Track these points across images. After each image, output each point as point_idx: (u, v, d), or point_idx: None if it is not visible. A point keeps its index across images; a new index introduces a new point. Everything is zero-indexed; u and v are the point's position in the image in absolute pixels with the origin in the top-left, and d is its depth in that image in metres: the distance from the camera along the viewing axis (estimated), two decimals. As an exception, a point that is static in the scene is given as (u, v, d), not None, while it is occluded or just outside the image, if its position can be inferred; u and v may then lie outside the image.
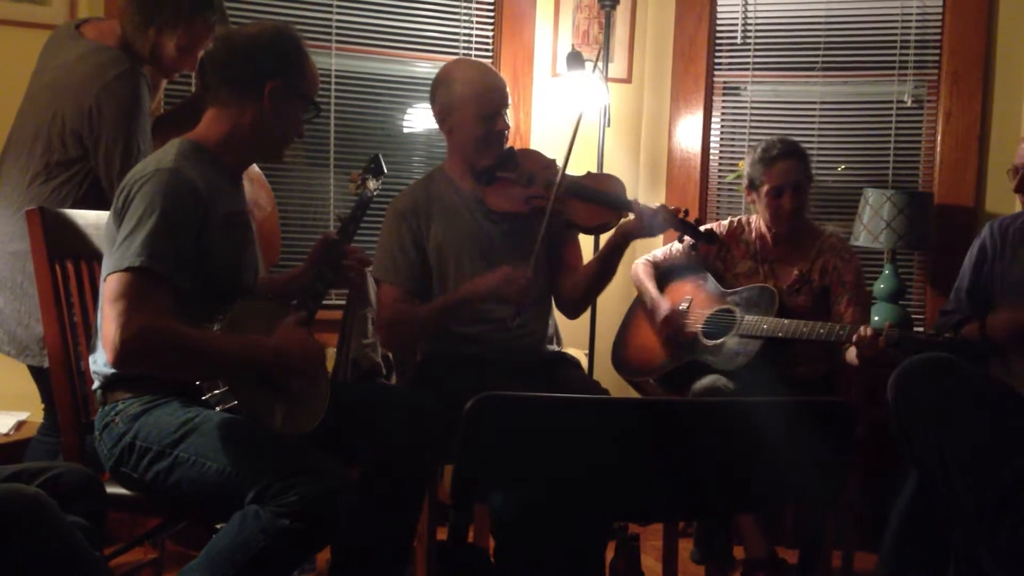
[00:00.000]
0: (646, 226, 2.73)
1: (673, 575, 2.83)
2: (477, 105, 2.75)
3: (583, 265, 2.94)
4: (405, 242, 2.79)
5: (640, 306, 3.33)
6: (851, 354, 2.85)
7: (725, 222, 3.32)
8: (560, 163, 2.83)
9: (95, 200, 2.70)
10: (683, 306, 3.15)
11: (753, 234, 3.24)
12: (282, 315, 2.19)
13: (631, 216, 2.78)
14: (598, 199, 2.80)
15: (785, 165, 3.11)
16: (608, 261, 2.84)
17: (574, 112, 3.91)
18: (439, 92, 2.82)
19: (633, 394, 3.34)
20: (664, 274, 3.31)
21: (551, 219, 2.71)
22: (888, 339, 2.68)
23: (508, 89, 2.84)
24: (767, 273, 3.18)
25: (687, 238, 2.84)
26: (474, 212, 2.82)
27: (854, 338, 2.76)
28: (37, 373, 2.77)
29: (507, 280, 2.62)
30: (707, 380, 2.95)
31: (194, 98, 3.05)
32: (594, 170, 3.70)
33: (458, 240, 2.79)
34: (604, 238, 2.94)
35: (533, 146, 3.87)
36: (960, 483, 2.31)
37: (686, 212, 2.77)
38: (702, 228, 2.86)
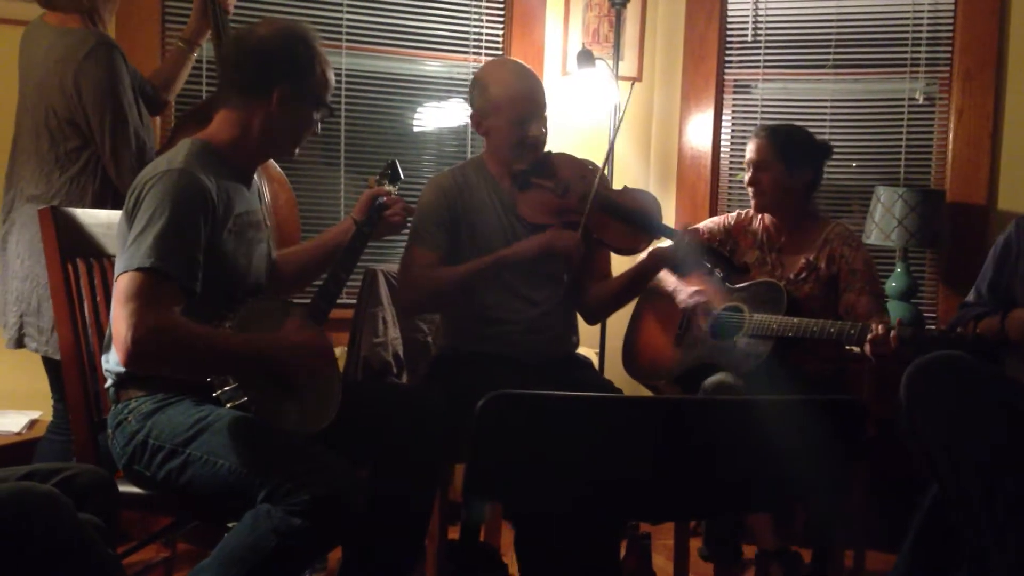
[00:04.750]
0: (681, 260, 2.70)
1: (684, 574, 2.83)
2: (511, 110, 2.71)
3: (610, 275, 2.91)
4: (443, 214, 2.73)
5: (647, 305, 3.32)
6: (866, 347, 2.84)
7: (732, 214, 3.32)
8: (596, 165, 2.81)
9: (113, 186, 2.73)
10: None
11: (759, 225, 3.24)
12: (293, 315, 2.20)
13: (663, 241, 2.74)
14: (632, 220, 2.74)
15: (752, 144, 3.17)
16: (636, 283, 2.82)
17: (585, 111, 3.93)
18: (475, 94, 2.79)
19: (645, 393, 3.33)
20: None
21: (582, 235, 2.66)
22: (901, 336, 2.67)
23: (543, 94, 2.78)
24: (774, 263, 3.17)
25: (718, 270, 2.84)
26: (508, 214, 2.77)
27: (868, 336, 2.75)
28: (52, 370, 2.80)
29: (554, 238, 2.62)
30: (716, 377, 2.94)
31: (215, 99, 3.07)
32: (604, 170, 3.68)
33: (489, 236, 2.74)
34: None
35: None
36: (971, 483, 2.30)
37: (719, 243, 2.75)
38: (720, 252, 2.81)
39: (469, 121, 2.84)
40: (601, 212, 2.71)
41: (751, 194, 3.17)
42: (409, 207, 2.55)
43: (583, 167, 2.86)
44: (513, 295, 2.75)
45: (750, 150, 3.17)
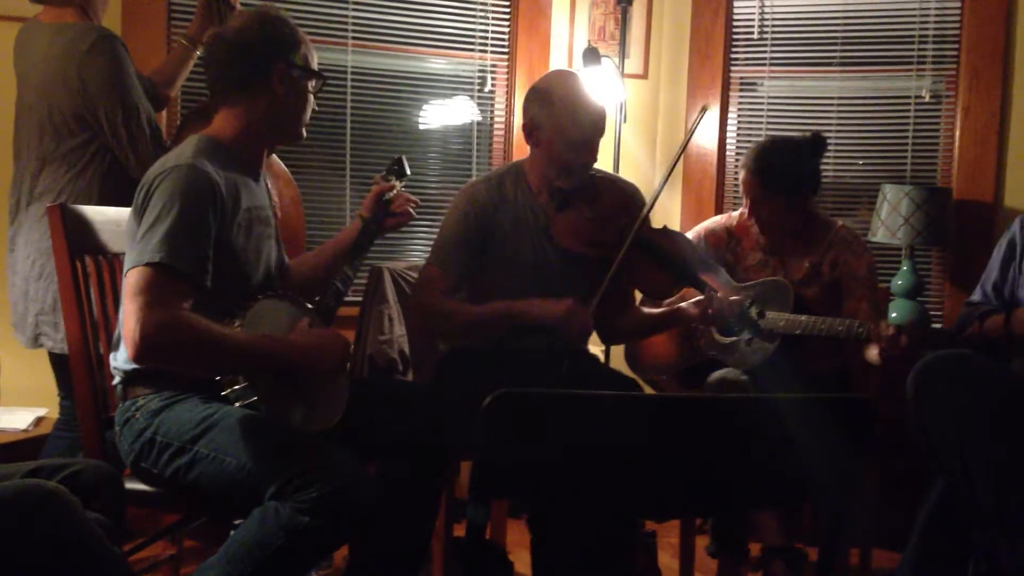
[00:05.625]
0: (714, 319, 2.66)
1: (689, 572, 2.83)
2: (573, 132, 2.61)
3: (633, 305, 2.87)
4: (471, 233, 2.67)
5: None
6: (872, 353, 2.82)
7: (735, 213, 3.29)
8: (641, 191, 2.80)
9: (121, 175, 2.74)
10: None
11: None
12: (303, 313, 2.20)
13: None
14: (667, 267, 2.64)
15: (742, 178, 3.11)
16: (657, 327, 2.82)
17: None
18: (534, 103, 2.67)
19: (648, 390, 3.32)
20: None
21: (614, 273, 2.58)
22: (911, 338, 2.66)
23: (605, 118, 2.68)
24: (777, 266, 3.14)
25: (745, 333, 2.84)
26: (540, 232, 2.70)
27: (873, 335, 2.74)
28: (59, 367, 2.80)
29: (570, 316, 2.53)
30: (721, 372, 2.94)
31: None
32: (610, 168, 3.69)
33: (517, 256, 2.69)
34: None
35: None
36: (980, 481, 2.30)
37: (752, 303, 2.66)
38: (761, 324, 2.74)
39: (523, 131, 2.72)
40: (638, 253, 2.61)
41: (752, 218, 3.13)
42: (412, 199, 2.54)
43: (628, 197, 2.78)
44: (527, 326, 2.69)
45: (742, 184, 3.11)
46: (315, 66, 2.32)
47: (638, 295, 2.98)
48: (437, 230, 2.78)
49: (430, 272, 2.71)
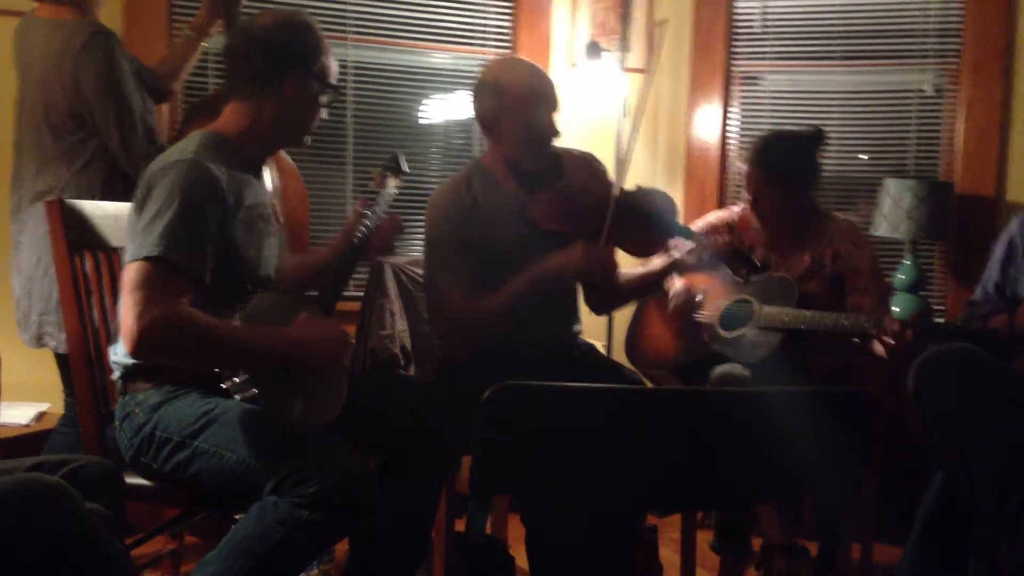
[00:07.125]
0: (702, 264, 2.67)
1: (691, 567, 2.83)
2: (531, 111, 2.61)
3: (619, 270, 2.85)
4: (459, 239, 2.66)
5: (651, 295, 3.30)
6: (877, 347, 2.82)
7: (737, 208, 3.29)
8: (604, 160, 2.78)
9: (123, 175, 2.75)
10: (698, 298, 3.13)
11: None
12: (302, 307, 2.20)
13: (681, 242, 2.69)
14: (652, 226, 2.64)
15: (744, 171, 3.11)
16: (650, 284, 2.81)
17: (592, 103, 3.92)
18: (485, 97, 2.66)
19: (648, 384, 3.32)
20: None
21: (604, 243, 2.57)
22: (916, 332, 2.65)
23: (555, 89, 2.67)
24: (778, 260, 3.14)
25: (743, 272, 2.83)
26: (518, 220, 2.68)
27: (879, 330, 2.73)
28: (64, 363, 2.80)
29: (587, 253, 2.54)
30: (724, 367, 2.93)
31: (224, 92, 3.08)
32: (610, 164, 3.67)
33: (502, 249, 2.67)
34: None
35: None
36: (980, 480, 2.29)
37: (738, 244, 2.68)
38: (758, 262, 2.76)
39: (478, 126, 2.72)
40: (621, 218, 2.60)
41: (754, 212, 3.13)
42: (397, 221, 2.53)
43: (591, 165, 2.80)
44: (529, 309, 2.67)
45: (745, 176, 3.11)
46: (333, 80, 2.30)
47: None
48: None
49: (438, 290, 2.69)
